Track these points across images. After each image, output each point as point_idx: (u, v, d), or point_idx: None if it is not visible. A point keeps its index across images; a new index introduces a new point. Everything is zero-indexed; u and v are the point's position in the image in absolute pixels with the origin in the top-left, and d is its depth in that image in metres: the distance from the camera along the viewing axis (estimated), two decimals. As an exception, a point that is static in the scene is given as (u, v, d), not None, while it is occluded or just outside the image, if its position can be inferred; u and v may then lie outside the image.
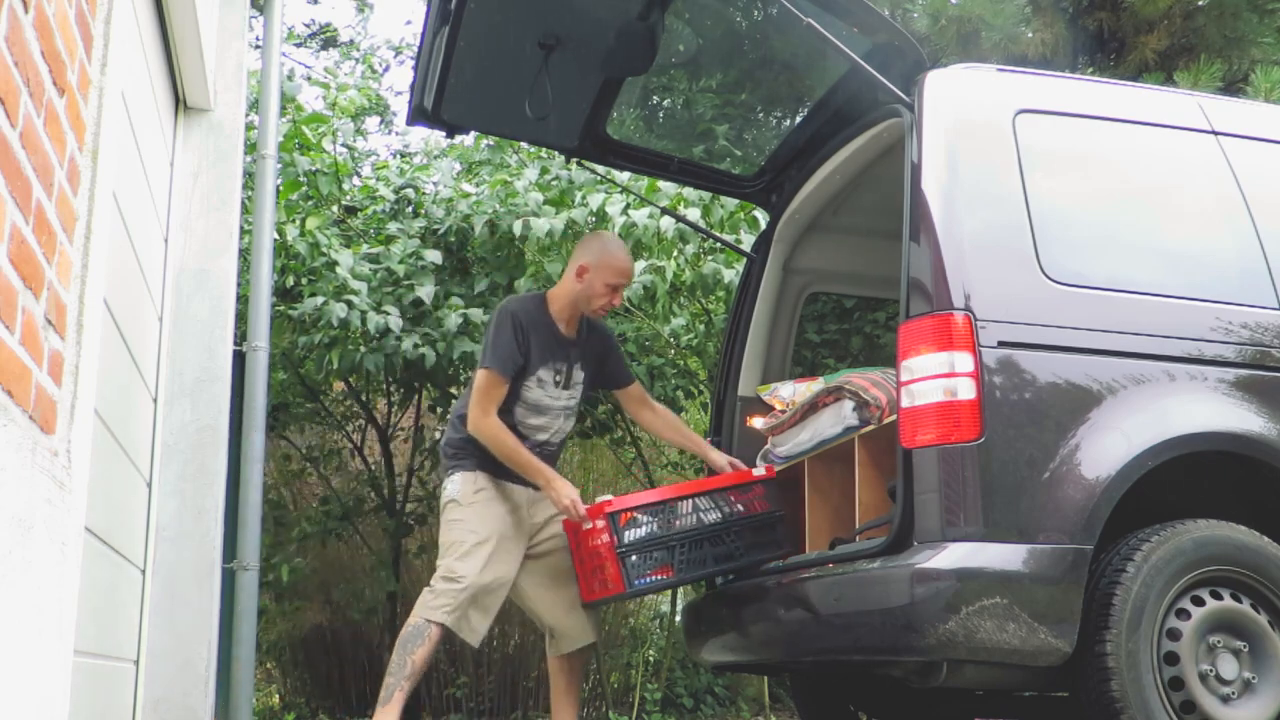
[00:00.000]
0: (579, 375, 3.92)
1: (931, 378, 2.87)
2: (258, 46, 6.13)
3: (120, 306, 3.03)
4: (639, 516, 3.57)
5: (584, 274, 3.83)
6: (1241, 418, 3.01)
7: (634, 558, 3.52)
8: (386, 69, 14.91)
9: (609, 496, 3.66)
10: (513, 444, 3.71)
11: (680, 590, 6.75)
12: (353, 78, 8.73)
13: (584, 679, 3.89)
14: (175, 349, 4.02)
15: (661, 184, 5.35)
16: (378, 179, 6.30)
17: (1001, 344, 2.88)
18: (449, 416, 3.95)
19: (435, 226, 5.82)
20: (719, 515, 3.66)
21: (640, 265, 5.28)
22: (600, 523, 3.54)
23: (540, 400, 3.82)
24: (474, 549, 3.68)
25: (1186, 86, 5.34)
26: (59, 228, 1.91)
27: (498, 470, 3.78)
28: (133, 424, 3.40)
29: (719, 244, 5.31)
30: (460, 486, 3.77)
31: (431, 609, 3.66)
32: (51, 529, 1.86)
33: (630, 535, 3.53)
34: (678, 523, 3.60)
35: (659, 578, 3.58)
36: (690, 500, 3.66)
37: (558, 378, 3.85)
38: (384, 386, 6.49)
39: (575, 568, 3.76)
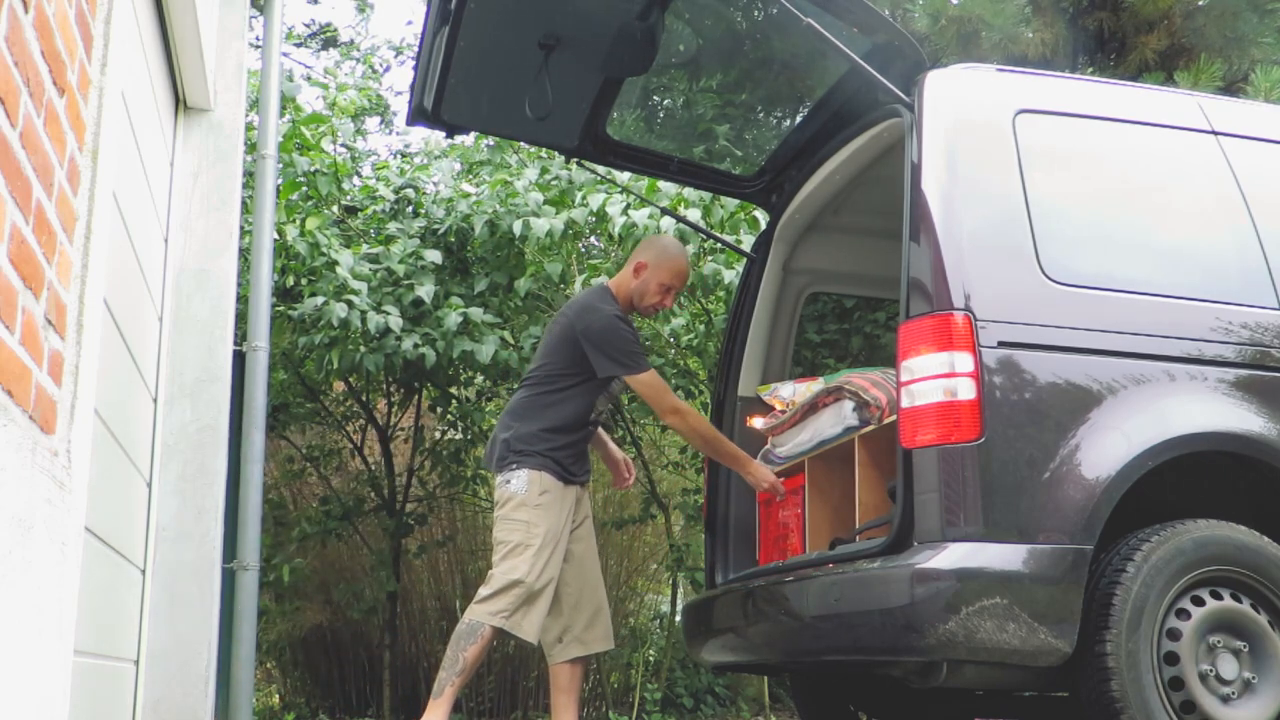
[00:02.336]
0: None
1: (931, 378, 2.87)
2: (258, 46, 6.13)
3: (120, 306, 3.03)
4: None
5: (641, 271, 3.92)
6: (1241, 418, 3.01)
7: None
8: (387, 69, 14.90)
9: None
10: (715, 434, 3.88)
11: (680, 590, 6.76)
12: (353, 78, 8.74)
13: (584, 680, 3.91)
14: (175, 349, 4.02)
15: (662, 184, 5.35)
16: (378, 179, 6.30)
17: (1001, 344, 2.88)
18: (511, 410, 3.94)
19: (435, 226, 5.82)
20: None
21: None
22: (795, 495, 3.67)
23: (612, 387, 3.93)
24: (538, 551, 3.70)
25: (1186, 86, 5.34)
26: (59, 228, 1.91)
27: (560, 470, 3.82)
28: (133, 424, 3.41)
29: (719, 244, 5.31)
30: (526, 485, 3.77)
31: (490, 614, 3.68)
32: (51, 529, 1.85)
33: None
34: None
35: None
36: None
37: None
38: (384, 386, 6.49)
39: (760, 535, 3.96)
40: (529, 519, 3.73)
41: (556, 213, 5.47)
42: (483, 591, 3.73)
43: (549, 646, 3.89)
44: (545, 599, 3.73)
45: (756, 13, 4.29)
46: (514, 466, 3.81)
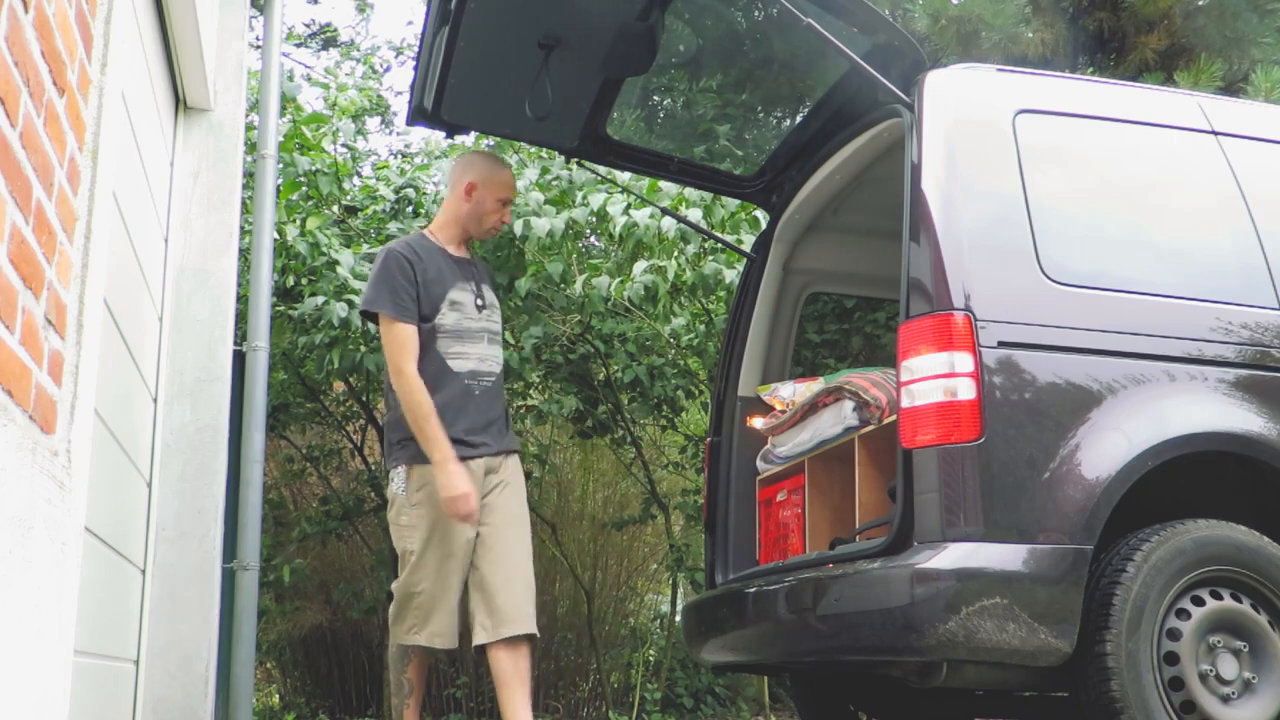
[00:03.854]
0: (490, 296, 3.76)
1: (931, 378, 2.87)
2: (258, 46, 6.13)
3: (120, 306, 3.03)
4: None
5: (473, 191, 3.72)
6: (1241, 418, 3.02)
7: None
8: (387, 69, 14.89)
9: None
10: (426, 410, 3.43)
11: (680, 590, 6.76)
12: (353, 78, 8.73)
13: (520, 665, 3.50)
14: (175, 349, 4.02)
15: (662, 184, 5.35)
16: (378, 179, 6.30)
17: (1001, 344, 2.89)
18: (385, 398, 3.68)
19: (435, 226, 5.81)
20: None
21: (641, 265, 5.28)
22: (795, 495, 3.65)
23: (460, 325, 3.61)
24: (421, 556, 3.48)
25: (1186, 86, 5.33)
26: (59, 228, 1.91)
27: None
28: (133, 424, 3.41)
29: (720, 244, 5.31)
30: (404, 484, 3.53)
31: (404, 635, 3.53)
32: (51, 529, 1.85)
33: None
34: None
35: None
36: None
37: (478, 300, 3.68)
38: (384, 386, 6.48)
39: (760, 535, 3.91)
40: (410, 522, 3.50)
41: (557, 212, 5.47)
42: (392, 612, 3.56)
43: (478, 636, 3.59)
44: (448, 600, 3.49)
45: (756, 13, 4.29)
46: (395, 464, 3.56)
